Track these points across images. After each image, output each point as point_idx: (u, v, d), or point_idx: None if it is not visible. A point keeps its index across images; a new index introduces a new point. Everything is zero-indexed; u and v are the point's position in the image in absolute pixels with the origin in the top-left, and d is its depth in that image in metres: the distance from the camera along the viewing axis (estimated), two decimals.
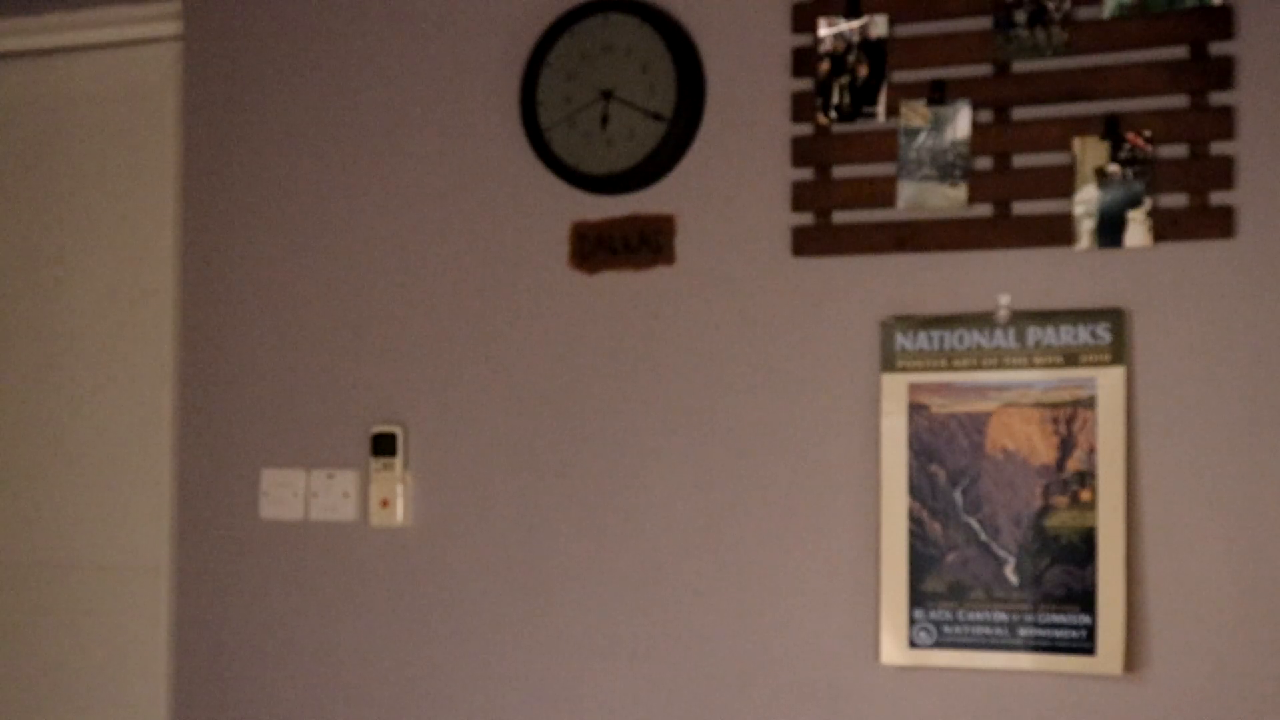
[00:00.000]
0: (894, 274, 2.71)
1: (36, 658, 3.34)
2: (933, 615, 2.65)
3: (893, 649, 2.67)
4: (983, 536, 2.63)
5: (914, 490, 2.67)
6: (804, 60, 2.77)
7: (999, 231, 2.65)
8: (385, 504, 2.99)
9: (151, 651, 3.22)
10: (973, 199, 2.67)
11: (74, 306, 3.34)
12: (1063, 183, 2.61)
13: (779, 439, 2.77)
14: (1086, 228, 2.59)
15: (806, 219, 2.76)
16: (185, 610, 3.16)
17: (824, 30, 2.75)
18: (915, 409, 2.67)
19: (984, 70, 2.67)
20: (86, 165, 3.34)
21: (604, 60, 2.85)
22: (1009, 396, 2.62)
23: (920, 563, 2.66)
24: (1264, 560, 2.51)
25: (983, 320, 2.65)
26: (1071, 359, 2.60)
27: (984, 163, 2.66)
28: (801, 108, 2.76)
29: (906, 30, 2.72)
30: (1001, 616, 2.61)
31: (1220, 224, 2.54)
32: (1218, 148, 2.55)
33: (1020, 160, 2.65)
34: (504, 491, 2.94)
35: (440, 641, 2.97)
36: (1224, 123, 2.54)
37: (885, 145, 2.71)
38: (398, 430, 2.99)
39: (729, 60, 2.82)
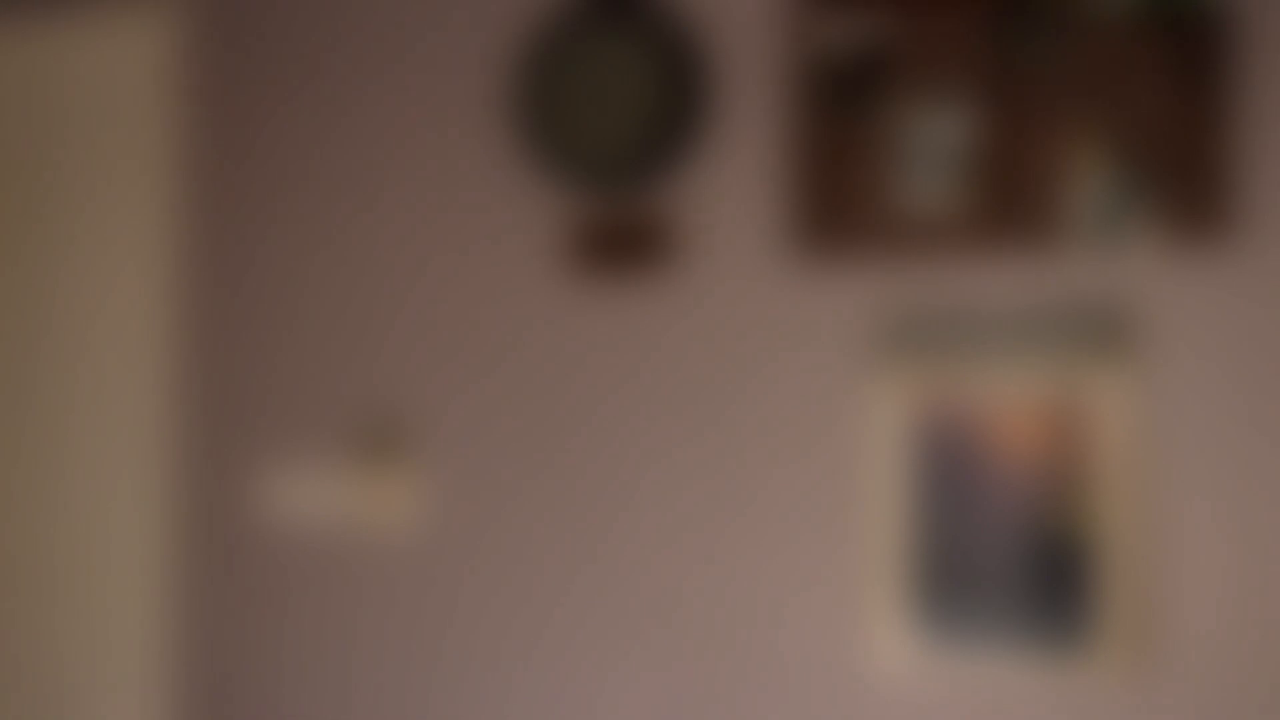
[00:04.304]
0: (894, 274, 2.71)
1: (31, 660, 3.34)
2: (931, 616, 2.65)
3: (891, 650, 2.67)
4: (982, 537, 2.63)
5: (913, 490, 2.67)
6: (804, 60, 2.77)
7: (999, 231, 2.65)
8: (386, 506, 3.00)
9: (148, 656, 3.23)
10: (973, 199, 2.67)
11: (69, 305, 3.34)
12: (1063, 183, 2.61)
13: (777, 438, 2.77)
14: (1086, 228, 2.60)
15: (806, 219, 2.76)
16: (183, 613, 3.16)
17: (824, 30, 2.75)
18: (914, 409, 2.67)
19: (984, 70, 2.67)
20: (81, 161, 3.34)
21: (601, 59, 2.85)
22: (1009, 396, 2.62)
23: (918, 563, 2.66)
24: (1269, 561, 2.51)
25: (982, 320, 2.65)
26: (1072, 359, 2.60)
27: (984, 163, 2.66)
28: (802, 107, 2.76)
29: (907, 30, 2.72)
30: (1001, 618, 2.61)
31: (1220, 224, 2.54)
32: (1218, 148, 2.55)
33: (1020, 160, 2.65)
34: (508, 491, 2.94)
35: (440, 640, 2.97)
36: (1224, 123, 2.54)
37: (885, 145, 2.71)
38: (399, 433, 2.99)
39: (729, 59, 2.83)
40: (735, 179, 2.81)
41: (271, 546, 3.10)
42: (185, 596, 3.17)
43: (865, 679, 2.70)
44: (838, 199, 2.74)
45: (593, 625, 2.88)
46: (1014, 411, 2.62)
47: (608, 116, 2.84)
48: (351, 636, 3.04)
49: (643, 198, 2.86)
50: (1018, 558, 2.61)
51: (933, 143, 2.68)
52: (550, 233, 2.93)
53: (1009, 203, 2.65)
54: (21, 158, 3.42)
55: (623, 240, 2.87)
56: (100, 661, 3.29)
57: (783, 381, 2.77)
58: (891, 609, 2.67)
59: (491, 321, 2.97)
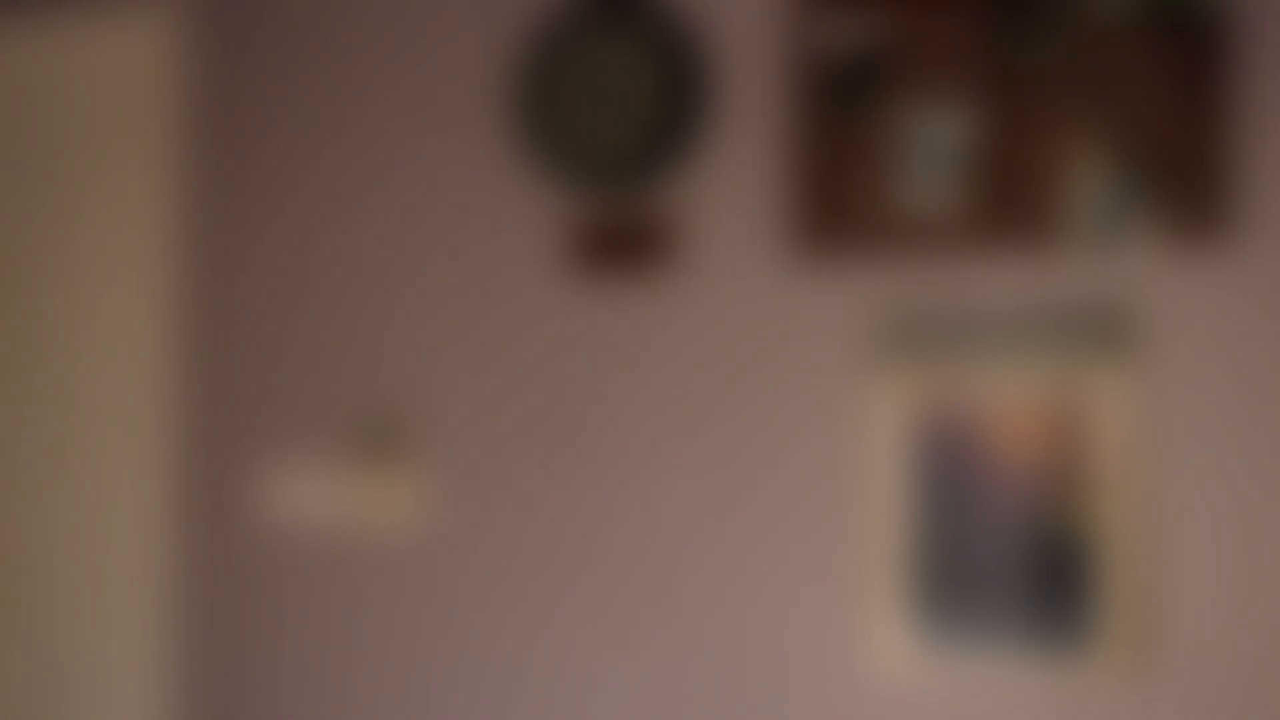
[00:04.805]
0: (894, 274, 2.71)
1: (31, 661, 3.34)
2: (931, 616, 2.65)
3: (891, 650, 2.67)
4: (982, 537, 2.63)
5: (913, 490, 2.67)
6: (804, 60, 2.77)
7: (999, 231, 2.65)
8: (386, 506, 3.00)
9: (148, 656, 3.22)
10: (973, 199, 2.67)
11: (69, 305, 3.33)
12: (1063, 183, 2.61)
13: (777, 438, 2.77)
14: (1087, 228, 2.59)
15: (806, 219, 2.76)
16: (183, 614, 3.16)
17: (824, 30, 2.75)
18: (914, 409, 2.67)
19: (984, 70, 2.67)
20: (81, 161, 3.34)
21: (601, 59, 2.85)
22: (1009, 396, 2.62)
23: (918, 563, 2.65)
24: (1269, 561, 2.51)
25: (982, 320, 2.65)
26: (1072, 359, 2.60)
27: (984, 163, 2.66)
28: (801, 108, 2.76)
29: (906, 30, 2.72)
30: (1001, 618, 2.61)
31: (1220, 224, 2.54)
32: (1218, 148, 2.55)
33: (1020, 160, 2.65)
34: (508, 491, 2.94)
35: (440, 640, 2.97)
36: (1224, 123, 2.54)
37: (885, 145, 2.71)
38: (399, 433, 2.99)
39: (729, 59, 2.82)
40: (735, 179, 2.81)
41: (271, 546, 3.10)
42: (185, 597, 3.17)
43: (865, 679, 2.70)
44: (837, 199, 2.74)
45: (592, 624, 2.88)
46: (1014, 411, 2.62)
47: (608, 117, 2.84)
48: (351, 637, 3.04)
49: (643, 198, 2.86)
50: (1018, 558, 2.60)
51: (933, 143, 2.68)
52: (550, 233, 2.93)
53: (1009, 203, 2.65)
54: (22, 158, 3.42)
55: (623, 240, 2.87)
56: (100, 662, 3.29)
57: (782, 381, 2.77)
58: (891, 609, 2.67)
59: (491, 321, 2.97)
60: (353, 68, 3.09)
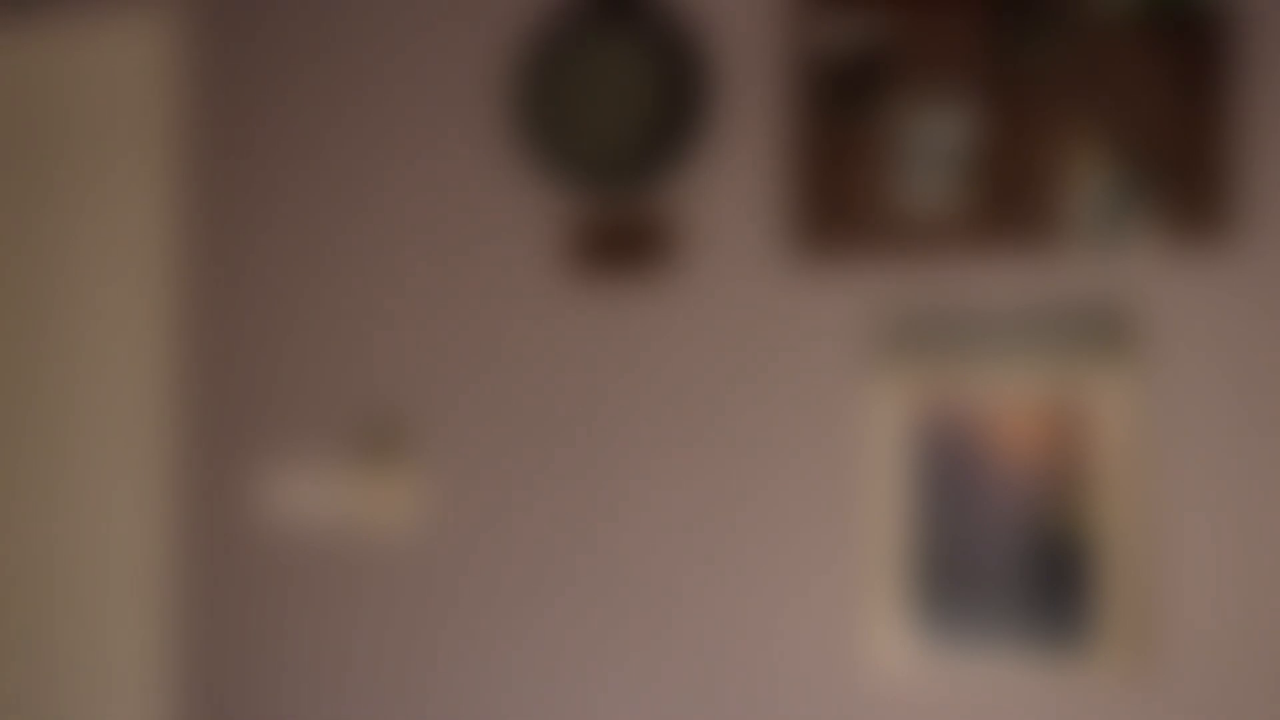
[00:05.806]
0: (894, 274, 2.71)
1: (31, 661, 3.34)
2: (931, 616, 2.65)
3: (891, 650, 2.67)
4: (982, 537, 2.63)
5: (913, 490, 2.67)
6: (804, 60, 2.77)
7: (999, 231, 2.65)
8: (386, 506, 3.00)
9: (148, 656, 3.23)
10: (973, 199, 2.67)
11: (69, 305, 3.34)
12: (1063, 183, 2.61)
13: (777, 438, 2.77)
14: (1087, 228, 2.60)
15: (806, 219, 2.76)
16: (183, 613, 3.16)
17: (824, 30, 2.75)
18: (914, 409, 2.67)
19: (984, 70, 2.67)
20: (81, 161, 3.34)
21: (601, 59, 2.85)
22: (1009, 396, 2.62)
23: (918, 563, 2.66)
24: (1269, 561, 2.51)
25: (982, 320, 2.65)
26: (1072, 359, 2.60)
27: (984, 163, 2.66)
28: (801, 108, 2.76)
29: (906, 30, 2.72)
30: (1001, 618, 2.61)
31: (1220, 224, 2.54)
32: (1218, 148, 2.55)
33: (1020, 160, 2.65)
34: (508, 491, 2.94)
35: (439, 640, 2.98)
36: (1224, 123, 2.54)
37: (885, 145, 2.71)
38: (399, 433, 2.99)
39: (729, 59, 2.83)
40: (735, 179, 2.82)
41: (271, 546, 3.11)
42: (185, 597, 3.18)
43: (865, 679, 2.70)
44: (838, 199, 2.74)
45: (592, 624, 2.88)
46: (1014, 411, 2.62)
47: (608, 117, 2.84)
48: (351, 636, 3.04)
49: (643, 198, 2.86)
50: (1018, 558, 2.60)
51: (933, 143, 2.68)
52: (550, 233, 2.93)
53: (1009, 203, 2.65)
54: (22, 158, 3.42)
55: (623, 240, 2.87)
56: (100, 662, 3.29)
57: (783, 381, 2.77)
58: (891, 609, 2.67)
59: (491, 321, 2.97)
60: (352, 67, 3.09)
